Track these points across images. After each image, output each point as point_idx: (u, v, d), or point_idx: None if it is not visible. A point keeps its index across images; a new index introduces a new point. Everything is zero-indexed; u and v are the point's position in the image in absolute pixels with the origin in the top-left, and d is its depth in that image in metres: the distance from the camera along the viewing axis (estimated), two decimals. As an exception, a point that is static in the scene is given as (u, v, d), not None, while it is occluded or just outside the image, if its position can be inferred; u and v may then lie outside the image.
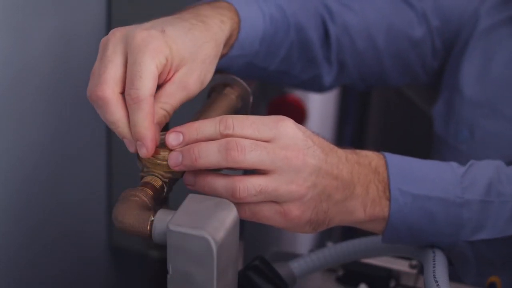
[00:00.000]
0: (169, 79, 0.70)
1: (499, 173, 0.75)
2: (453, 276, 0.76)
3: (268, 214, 0.67)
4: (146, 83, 0.66)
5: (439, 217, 0.72)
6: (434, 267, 0.71)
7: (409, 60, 1.09)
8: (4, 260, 1.04)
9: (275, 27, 0.95)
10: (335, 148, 0.70)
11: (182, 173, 0.69)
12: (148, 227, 0.64)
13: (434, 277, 0.70)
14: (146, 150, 0.67)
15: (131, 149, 0.68)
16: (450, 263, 0.77)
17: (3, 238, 1.03)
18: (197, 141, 0.66)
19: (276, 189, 0.65)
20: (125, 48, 0.68)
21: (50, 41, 1.05)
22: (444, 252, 0.75)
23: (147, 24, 0.71)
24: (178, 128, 0.67)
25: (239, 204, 0.67)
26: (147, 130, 0.66)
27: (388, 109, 2.04)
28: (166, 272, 0.63)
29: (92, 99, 0.69)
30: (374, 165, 0.72)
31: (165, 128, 0.72)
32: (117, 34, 0.70)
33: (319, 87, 1.09)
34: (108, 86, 0.67)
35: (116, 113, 0.67)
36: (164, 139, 0.69)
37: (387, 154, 0.73)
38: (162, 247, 0.64)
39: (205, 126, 0.66)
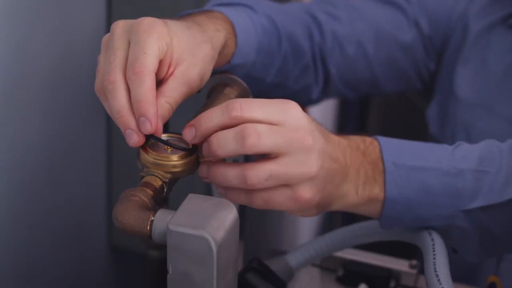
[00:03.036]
0: (171, 74, 0.71)
1: (489, 146, 0.77)
2: (456, 259, 0.76)
3: (280, 200, 0.68)
4: (150, 59, 0.68)
5: (434, 188, 0.73)
6: (434, 258, 0.71)
7: (401, 65, 1.09)
8: (4, 260, 1.04)
9: (268, 37, 0.96)
10: (329, 133, 0.72)
11: (182, 173, 0.69)
12: (148, 227, 0.64)
13: (435, 271, 0.70)
14: (150, 124, 0.67)
15: (133, 139, 0.68)
16: (453, 250, 0.77)
17: (3, 238, 1.03)
18: (207, 129, 0.67)
19: (286, 172, 0.66)
20: (129, 35, 0.70)
21: (50, 41, 1.05)
22: (443, 234, 0.75)
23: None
24: (190, 122, 0.68)
25: (251, 193, 0.68)
26: (150, 104, 0.67)
27: (388, 109, 2.04)
28: (166, 272, 0.63)
29: (103, 85, 0.69)
30: (362, 148, 0.73)
31: (165, 129, 0.72)
32: (121, 24, 0.71)
33: (308, 99, 1.09)
34: (119, 70, 0.68)
35: (122, 98, 0.68)
36: (167, 141, 0.70)
37: (379, 137, 0.75)
38: (162, 247, 0.64)
39: (214, 113, 0.67)
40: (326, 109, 1.76)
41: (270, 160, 0.66)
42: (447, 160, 0.74)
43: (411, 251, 0.93)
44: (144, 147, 0.69)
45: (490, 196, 0.73)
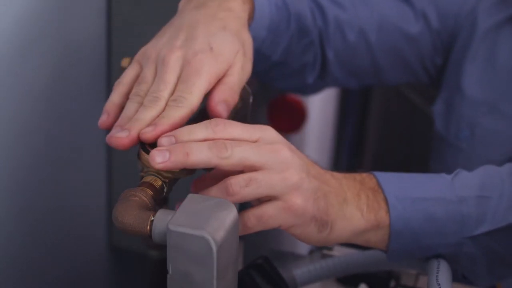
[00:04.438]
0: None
1: (488, 171, 0.77)
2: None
3: (272, 212, 0.67)
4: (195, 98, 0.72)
5: (439, 217, 0.73)
6: (437, 273, 0.72)
7: (405, 56, 1.09)
8: (4, 260, 1.04)
9: (280, 16, 0.97)
10: (319, 166, 0.72)
11: (182, 173, 0.69)
12: (148, 227, 0.64)
13: (437, 280, 0.70)
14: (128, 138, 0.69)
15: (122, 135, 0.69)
16: (462, 276, 0.77)
17: (2, 238, 1.03)
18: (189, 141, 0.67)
19: (268, 179, 0.66)
20: (180, 69, 0.73)
21: (51, 41, 1.05)
22: (451, 261, 0.75)
23: (195, 42, 0.75)
24: (170, 132, 0.68)
25: (242, 215, 0.67)
26: (168, 126, 0.69)
27: (388, 109, 2.04)
28: (166, 272, 0.63)
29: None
30: (359, 179, 0.73)
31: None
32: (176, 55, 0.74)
33: (304, 82, 1.09)
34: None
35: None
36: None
37: (374, 172, 0.75)
38: (162, 247, 0.64)
39: (197, 128, 0.67)
40: (326, 108, 1.76)
41: (252, 171, 0.67)
42: (448, 189, 0.74)
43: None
44: (144, 147, 0.69)
45: (495, 220, 0.73)
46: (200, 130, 0.67)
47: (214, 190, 0.67)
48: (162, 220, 0.64)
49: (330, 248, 0.96)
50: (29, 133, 1.04)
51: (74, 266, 1.20)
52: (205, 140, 0.67)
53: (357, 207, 0.71)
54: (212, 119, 0.68)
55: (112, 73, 1.19)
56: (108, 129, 0.72)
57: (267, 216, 0.67)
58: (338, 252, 0.96)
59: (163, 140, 0.67)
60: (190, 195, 0.66)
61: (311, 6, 1.05)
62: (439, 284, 0.70)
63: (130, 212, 0.65)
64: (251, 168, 0.66)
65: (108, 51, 1.18)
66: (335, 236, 0.71)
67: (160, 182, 0.69)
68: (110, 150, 1.24)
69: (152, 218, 0.64)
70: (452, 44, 1.09)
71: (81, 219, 1.21)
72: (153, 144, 0.70)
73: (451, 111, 1.08)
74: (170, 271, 0.63)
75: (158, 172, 0.69)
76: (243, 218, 0.67)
